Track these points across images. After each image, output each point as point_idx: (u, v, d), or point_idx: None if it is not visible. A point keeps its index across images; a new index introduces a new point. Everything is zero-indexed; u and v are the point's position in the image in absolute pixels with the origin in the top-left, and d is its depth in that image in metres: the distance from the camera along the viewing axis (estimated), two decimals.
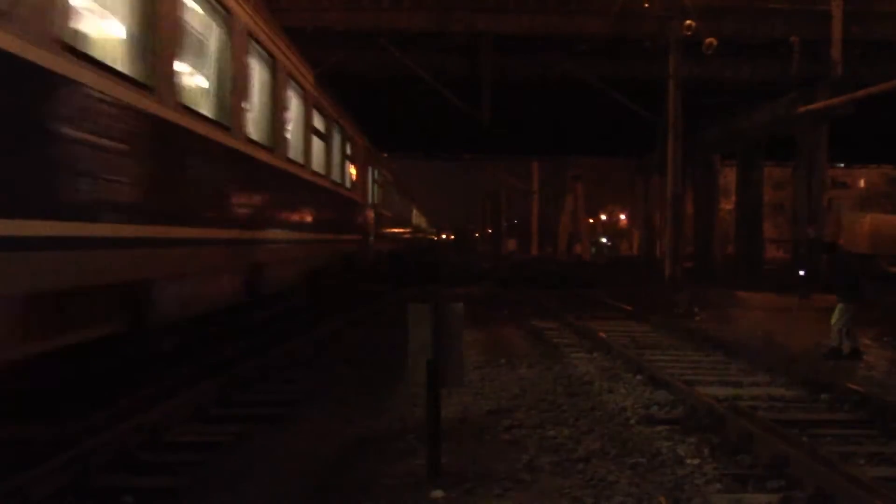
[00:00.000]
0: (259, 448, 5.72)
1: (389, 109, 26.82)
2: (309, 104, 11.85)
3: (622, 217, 73.62)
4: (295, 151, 10.84)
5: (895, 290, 20.33)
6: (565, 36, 21.08)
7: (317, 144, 12.52)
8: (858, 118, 20.92)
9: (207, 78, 7.51)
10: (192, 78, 7.12)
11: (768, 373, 8.99)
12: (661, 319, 14.01)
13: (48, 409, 5.94)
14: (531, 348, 11.07)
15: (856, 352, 10.34)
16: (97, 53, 4.99)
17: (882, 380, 8.95)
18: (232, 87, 7.74)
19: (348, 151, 16.16)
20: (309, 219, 11.82)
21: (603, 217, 74.83)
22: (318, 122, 12.68)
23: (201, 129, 6.85)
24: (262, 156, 8.91)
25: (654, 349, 10.86)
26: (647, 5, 21.29)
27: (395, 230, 28.91)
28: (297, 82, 10.90)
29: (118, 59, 5.40)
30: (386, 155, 30.03)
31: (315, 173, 12.20)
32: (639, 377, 8.70)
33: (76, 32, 4.78)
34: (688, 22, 17.84)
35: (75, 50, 4.60)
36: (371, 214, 19.74)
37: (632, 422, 6.70)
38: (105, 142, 4.95)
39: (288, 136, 10.40)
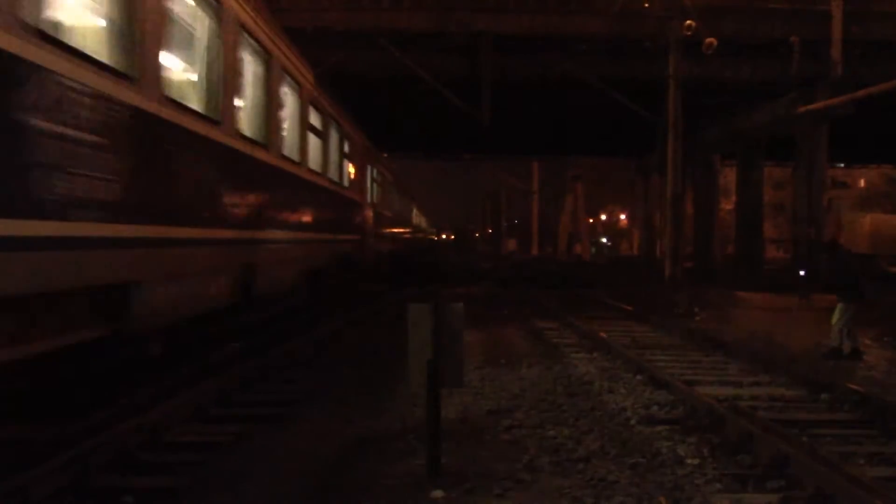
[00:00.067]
0: (259, 448, 5.72)
1: (389, 109, 26.81)
2: (305, 99, 11.54)
3: (622, 217, 73.66)
4: (290, 148, 10.59)
5: (895, 290, 20.32)
6: (565, 36, 21.08)
7: (313, 141, 12.26)
8: (858, 118, 20.91)
9: (194, 69, 7.19)
10: (178, 69, 6.80)
11: (768, 373, 8.99)
12: (661, 319, 14.02)
13: (48, 409, 5.94)
14: (531, 348, 11.07)
15: (856, 352, 10.34)
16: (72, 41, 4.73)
17: (882, 380, 8.96)
18: (221, 79, 7.41)
19: (346, 149, 15.89)
20: (305, 218, 11.59)
21: (603, 217, 74.89)
22: (314, 119, 12.39)
23: (189, 122, 6.53)
24: (255, 152, 8.62)
25: (655, 349, 10.86)
26: (647, 5, 21.31)
27: (395, 230, 28.84)
28: (292, 76, 10.59)
29: (96, 47, 5.11)
30: (386, 155, 29.99)
31: (311, 171, 11.95)
32: (639, 377, 8.70)
33: (49, 18, 4.52)
34: (688, 22, 17.82)
35: (47, 36, 4.36)
36: (370, 214, 19.63)
37: (632, 422, 6.70)
38: (80, 135, 4.66)
39: (283, 132, 10.15)
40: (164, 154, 6.17)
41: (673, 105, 19.07)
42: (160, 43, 5.94)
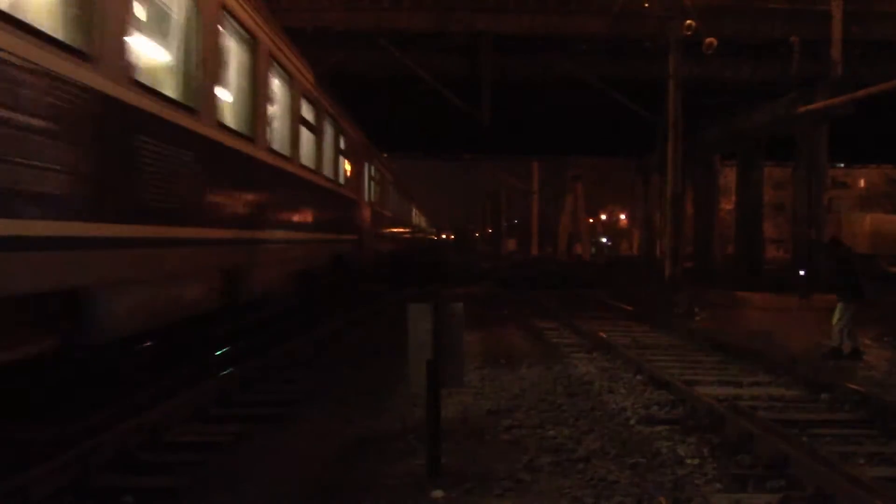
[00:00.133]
0: (259, 448, 5.72)
1: (389, 109, 26.82)
2: (297, 91, 10.79)
3: (622, 217, 73.69)
4: (280, 142, 9.89)
5: (895, 290, 20.33)
6: (565, 36, 21.10)
7: (306, 136, 11.61)
8: (858, 118, 20.93)
9: (168, 52, 6.51)
10: (147, 49, 6.07)
11: (768, 373, 8.99)
12: (661, 319, 14.02)
13: (48, 409, 5.93)
14: (531, 348, 11.07)
15: (856, 352, 10.34)
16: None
17: (882, 380, 8.96)
18: (199, 64, 6.73)
19: (342, 145, 15.19)
20: (297, 217, 11.00)
21: (603, 217, 74.89)
22: (307, 112, 11.69)
23: (158, 109, 5.87)
24: (239, 145, 7.96)
25: (654, 349, 10.86)
26: (647, 5, 21.31)
27: (394, 229, 28.71)
28: (282, 66, 9.88)
29: (43, 19, 4.55)
30: (386, 155, 29.96)
31: (303, 167, 11.28)
32: (639, 377, 8.70)
33: None
34: (688, 22, 17.81)
35: None
36: (367, 213, 19.40)
37: (632, 422, 6.70)
38: (21, 119, 4.10)
39: (271, 124, 9.42)
40: (128, 144, 5.48)
41: (673, 105, 19.06)
42: (124, 16, 5.30)
